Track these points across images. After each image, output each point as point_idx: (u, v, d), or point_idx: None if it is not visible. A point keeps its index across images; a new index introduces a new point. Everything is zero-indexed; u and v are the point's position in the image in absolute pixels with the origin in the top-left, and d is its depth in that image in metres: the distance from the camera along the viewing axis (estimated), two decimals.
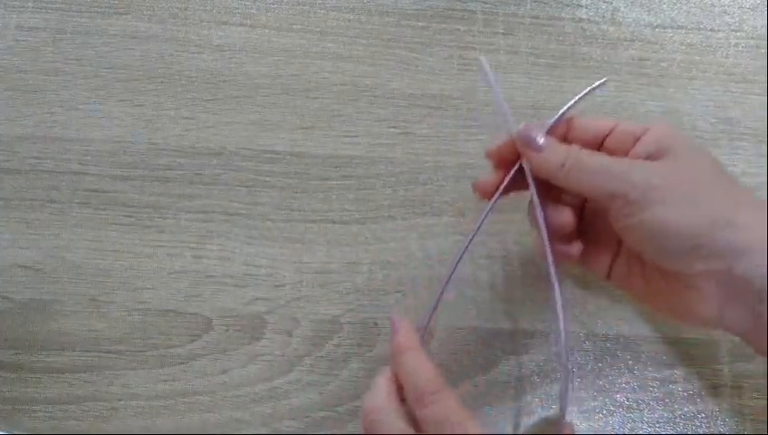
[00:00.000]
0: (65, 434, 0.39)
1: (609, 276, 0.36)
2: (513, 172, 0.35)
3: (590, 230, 0.36)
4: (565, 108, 0.35)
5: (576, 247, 0.35)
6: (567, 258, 0.35)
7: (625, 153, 0.34)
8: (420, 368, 0.32)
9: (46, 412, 0.39)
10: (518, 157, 0.35)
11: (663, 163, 0.32)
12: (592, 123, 0.35)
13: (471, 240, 0.35)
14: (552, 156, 0.33)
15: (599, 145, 0.35)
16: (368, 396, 0.33)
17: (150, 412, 0.40)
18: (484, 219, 0.35)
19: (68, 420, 0.39)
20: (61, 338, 0.41)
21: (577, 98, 0.35)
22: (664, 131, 0.33)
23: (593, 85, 0.36)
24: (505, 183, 0.35)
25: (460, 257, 0.35)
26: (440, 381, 0.32)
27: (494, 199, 0.35)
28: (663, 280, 0.33)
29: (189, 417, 0.39)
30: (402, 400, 0.32)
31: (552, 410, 0.40)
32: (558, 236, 0.35)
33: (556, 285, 0.33)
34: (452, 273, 0.35)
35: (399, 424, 0.31)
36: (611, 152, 0.34)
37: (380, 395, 0.32)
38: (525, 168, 0.35)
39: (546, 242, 0.34)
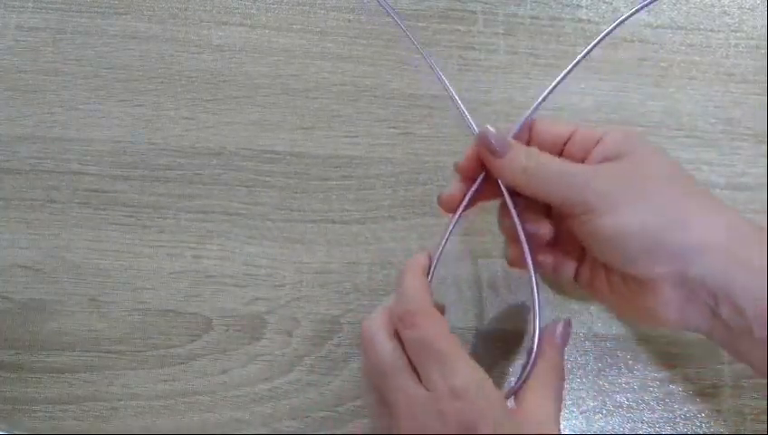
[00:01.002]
0: (65, 434, 0.39)
1: (576, 280, 0.36)
2: (478, 183, 0.35)
3: (556, 235, 0.35)
4: (529, 112, 0.35)
5: (550, 257, 0.35)
6: (542, 267, 0.35)
7: (584, 158, 0.33)
8: (413, 289, 0.31)
9: (46, 412, 0.39)
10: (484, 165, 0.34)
11: (620, 167, 0.32)
12: (553, 128, 0.35)
13: (441, 252, 0.35)
14: (514, 161, 0.32)
15: (559, 150, 0.34)
16: (367, 317, 0.33)
17: (150, 412, 0.40)
18: (449, 233, 0.35)
19: (68, 420, 0.39)
20: (61, 338, 0.41)
21: (536, 104, 0.35)
22: (621, 135, 0.33)
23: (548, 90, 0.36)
24: (470, 195, 0.35)
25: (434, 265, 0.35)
26: (428, 303, 0.31)
27: (457, 214, 0.35)
28: (625, 284, 0.33)
29: (189, 417, 0.39)
30: None
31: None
32: (534, 247, 0.34)
33: (536, 292, 0.33)
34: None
35: (388, 346, 0.31)
36: (571, 157, 0.34)
37: (377, 317, 0.32)
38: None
39: (527, 252, 0.33)
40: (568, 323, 0.34)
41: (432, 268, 0.34)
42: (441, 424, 0.28)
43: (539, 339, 0.32)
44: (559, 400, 0.32)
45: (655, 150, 0.33)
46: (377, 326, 0.32)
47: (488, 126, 0.33)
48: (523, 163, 0.32)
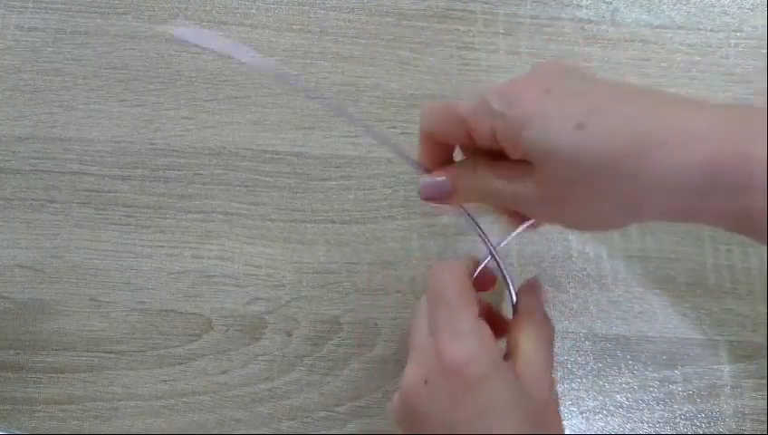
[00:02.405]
0: (65, 434, 0.39)
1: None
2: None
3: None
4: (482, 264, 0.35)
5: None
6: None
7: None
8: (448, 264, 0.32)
9: (46, 412, 0.39)
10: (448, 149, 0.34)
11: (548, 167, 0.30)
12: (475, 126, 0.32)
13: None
14: (464, 195, 0.33)
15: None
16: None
17: (150, 412, 0.40)
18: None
19: (68, 420, 0.39)
20: (61, 338, 0.41)
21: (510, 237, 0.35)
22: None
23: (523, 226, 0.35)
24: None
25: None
26: (453, 263, 0.32)
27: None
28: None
29: (189, 417, 0.40)
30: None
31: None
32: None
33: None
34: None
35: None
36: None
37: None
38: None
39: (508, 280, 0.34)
40: (536, 280, 0.34)
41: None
42: (437, 362, 0.29)
43: (518, 295, 0.33)
44: (550, 349, 0.32)
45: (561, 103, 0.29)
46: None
47: (423, 178, 0.33)
48: (474, 195, 0.32)
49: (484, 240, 0.34)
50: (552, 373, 0.31)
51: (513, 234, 0.35)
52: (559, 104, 0.28)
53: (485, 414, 0.28)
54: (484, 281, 0.35)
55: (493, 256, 0.34)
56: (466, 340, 0.29)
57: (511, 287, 0.34)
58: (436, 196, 0.33)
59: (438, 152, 0.33)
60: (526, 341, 0.31)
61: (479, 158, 0.32)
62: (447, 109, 0.31)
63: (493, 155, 0.31)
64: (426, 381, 0.30)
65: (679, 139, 0.27)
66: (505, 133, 0.29)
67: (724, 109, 0.28)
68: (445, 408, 0.29)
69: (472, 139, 0.31)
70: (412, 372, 0.30)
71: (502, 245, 0.35)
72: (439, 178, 0.33)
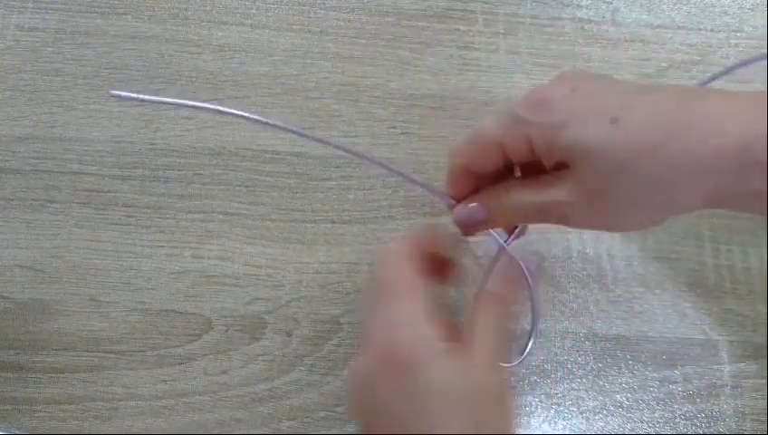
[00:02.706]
0: (65, 434, 0.39)
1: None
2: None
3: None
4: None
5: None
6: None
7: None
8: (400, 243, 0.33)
9: (46, 412, 0.39)
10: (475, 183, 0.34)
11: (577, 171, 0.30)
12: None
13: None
14: (499, 220, 0.33)
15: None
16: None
17: (150, 412, 0.40)
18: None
19: (68, 420, 0.39)
20: (61, 338, 0.41)
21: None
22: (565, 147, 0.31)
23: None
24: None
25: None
26: (403, 248, 0.32)
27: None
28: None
29: (189, 417, 0.40)
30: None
31: (553, 410, 0.40)
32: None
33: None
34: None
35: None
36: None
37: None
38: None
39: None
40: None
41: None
42: (372, 354, 0.29)
43: (490, 273, 0.33)
44: (504, 331, 0.32)
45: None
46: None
47: (458, 210, 0.33)
48: (506, 218, 0.33)
49: (497, 240, 0.34)
50: (505, 355, 0.31)
51: (513, 237, 0.35)
52: (589, 102, 0.29)
53: (421, 400, 0.28)
54: (443, 264, 0.34)
55: (504, 249, 0.34)
56: (401, 328, 0.29)
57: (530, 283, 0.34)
58: (472, 223, 0.33)
59: (467, 183, 0.34)
60: (480, 321, 0.31)
61: (509, 179, 0.33)
62: (476, 138, 0.32)
63: (523, 176, 0.32)
64: (366, 370, 0.30)
65: (712, 123, 0.27)
66: (542, 140, 0.29)
67: (749, 95, 0.29)
68: (383, 396, 0.29)
69: (508, 159, 0.31)
70: (354, 362, 0.31)
71: (507, 243, 0.35)
72: (473, 205, 0.33)
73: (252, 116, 0.29)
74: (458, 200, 0.34)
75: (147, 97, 0.28)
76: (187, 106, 0.29)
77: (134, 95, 0.28)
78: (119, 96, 0.28)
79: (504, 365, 0.34)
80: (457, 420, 0.28)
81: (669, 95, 0.29)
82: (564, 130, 0.29)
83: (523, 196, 0.31)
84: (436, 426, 0.28)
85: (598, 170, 0.29)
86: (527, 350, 0.38)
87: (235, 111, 0.29)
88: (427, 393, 0.28)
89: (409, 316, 0.30)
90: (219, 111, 0.29)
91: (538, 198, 0.31)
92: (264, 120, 0.29)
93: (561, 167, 0.30)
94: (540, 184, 0.31)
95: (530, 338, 0.38)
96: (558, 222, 0.31)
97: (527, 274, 0.34)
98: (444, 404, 0.28)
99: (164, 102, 0.29)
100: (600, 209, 0.30)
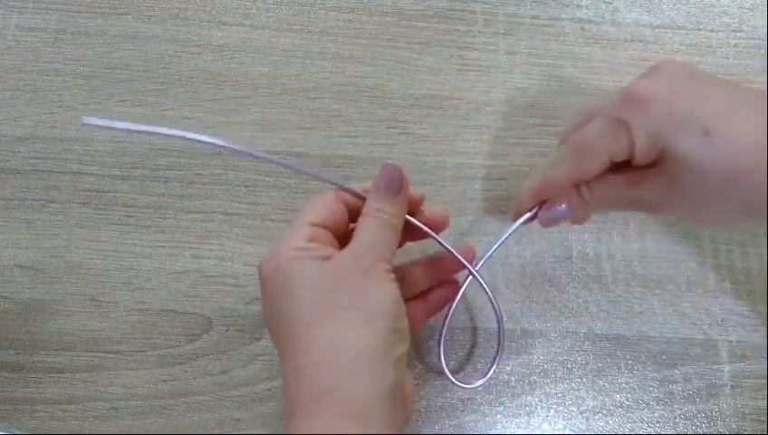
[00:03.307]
0: (65, 434, 0.39)
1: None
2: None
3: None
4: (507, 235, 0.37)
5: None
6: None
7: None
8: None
9: (46, 412, 0.39)
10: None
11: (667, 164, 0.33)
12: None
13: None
14: (584, 215, 0.36)
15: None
16: None
17: (150, 412, 0.40)
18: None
19: (68, 420, 0.39)
20: (61, 338, 0.41)
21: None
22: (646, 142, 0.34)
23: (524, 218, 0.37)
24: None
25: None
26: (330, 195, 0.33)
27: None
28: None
29: (189, 417, 0.40)
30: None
31: (553, 410, 0.40)
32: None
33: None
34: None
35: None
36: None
37: None
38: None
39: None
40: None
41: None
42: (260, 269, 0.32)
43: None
44: (381, 240, 0.32)
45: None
46: None
47: (544, 213, 0.36)
48: (588, 212, 0.36)
49: (466, 266, 0.37)
50: (388, 256, 0.32)
51: (515, 226, 0.37)
52: (685, 108, 0.31)
53: (282, 297, 0.30)
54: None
55: (473, 275, 0.37)
56: (272, 245, 0.32)
57: (493, 302, 0.37)
58: (557, 221, 0.36)
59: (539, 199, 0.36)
60: (358, 230, 0.32)
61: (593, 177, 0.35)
62: (583, 152, 0.34)
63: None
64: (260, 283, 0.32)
65: None
66: (644, 143, 0.32)
67: None
68: (264, 301, 0.32)
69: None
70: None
71: (505, 237, 0.37)
72: (561, 207, 0.35)
73: (211, 140, 0.31)
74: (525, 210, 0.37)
75: (119, 125, 0.29)
76: (157, 134, 0.30)
77: (107, 124, 0.28)
78: (90, 124, 0.28)
79: (466, 386, 0.38)
80: (307, 306, 0.30)
81: (759, 108, 0.31)
82: (660, 137, 0.31)
83: (610, 191, 0.34)
84: (292, 312, 0.30)
85: (687, 178, 0.32)
86: (490, 373, 0.38)
87: (200, 138, 0.30)
88: (287, 293, 0.30)
89: (282, 236, 0.32)
90: (185, 138, 0.30)
91: (628, 194, 0.34)
92: (222, 143, 0.31)
93: (650, 165, 0.33)
94: (631, 180, 0.34)
95: (493, 363, 0.39)
96: (640, 211, 0.35)
97: (484, 287, 0.37)
98: (301, 297, 0.30)
99: (135, 131, 0.30)
100: (686, 208, 0.33)
